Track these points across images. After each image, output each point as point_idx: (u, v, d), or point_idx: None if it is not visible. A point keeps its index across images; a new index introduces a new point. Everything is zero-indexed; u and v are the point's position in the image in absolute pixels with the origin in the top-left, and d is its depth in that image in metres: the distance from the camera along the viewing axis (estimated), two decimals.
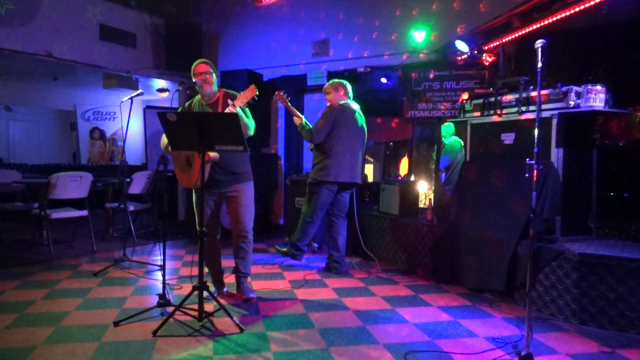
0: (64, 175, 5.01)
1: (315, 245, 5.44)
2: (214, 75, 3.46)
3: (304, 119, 4.52)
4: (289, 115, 6.07)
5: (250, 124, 3.35)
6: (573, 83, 3.48)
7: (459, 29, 5.27)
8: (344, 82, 4.53)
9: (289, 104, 4.51)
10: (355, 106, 4.53)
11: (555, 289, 3.32)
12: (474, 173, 4.16)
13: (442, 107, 5.21)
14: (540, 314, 3.39)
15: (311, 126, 4.43)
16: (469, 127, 4.28)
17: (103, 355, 2.59)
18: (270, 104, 7.07)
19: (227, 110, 3.16)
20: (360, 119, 4.55)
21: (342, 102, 4.45)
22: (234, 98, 3.23)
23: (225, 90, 3.51)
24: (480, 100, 4.18)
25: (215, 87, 3.46)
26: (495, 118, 4.01)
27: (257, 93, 3.18)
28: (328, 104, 4.47)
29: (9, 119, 11.32)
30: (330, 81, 4.56)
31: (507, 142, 3.91)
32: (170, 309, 3.13)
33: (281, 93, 4.49)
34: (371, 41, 6.11)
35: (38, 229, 5.55)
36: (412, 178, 5.73)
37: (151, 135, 7.22)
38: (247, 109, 3.41)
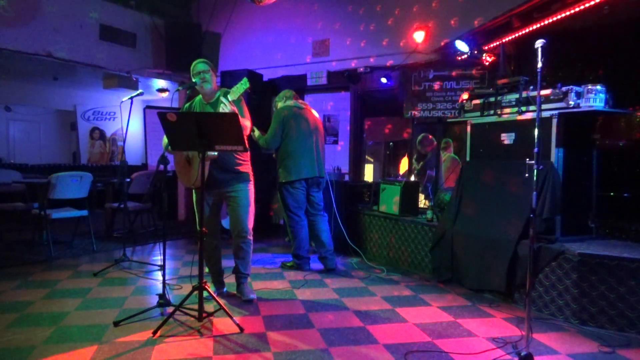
0: (64, 175, 5.01)
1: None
2: (213, 74, 3.47)
3: (256, 131, 4.59)
4: None
5: (246, 124, 3.34)
6: (573, 83, 3.48)
7: (458, 29, 5.27)
8: (286, 90, 4.79)
9: None
10: (302, 103, 4.68)
11: (555, 289, 3.32)
12: (474, 173, 4.16)
13: (442, 107, 5.21)
14: (540, 314, 3.39)
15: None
16: (469, 127, 4.28)
17: (103, 355, 2.59)
18: (270, 105, 7.07)
19: (220, 108, 3.15)
20: (310, 113, 4.65)
21: (287, 103, 4.62)
22: (228, 94, 3.24)
23: (225, 89, 3.51)
24: (480, 100, 4.18)
25: (214, 86, 3.47)
26: (495, 118, 4.01)
27: (249, 85, 3.18)
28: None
29: (9, 119, 11.32)
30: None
31: (507, 142, 3.91)
32: (170, 309, 3.13)
33: None
34: (371, 41, 6.11)
35: (38, 229, 5.55)
36: (412, 178, 5.73)
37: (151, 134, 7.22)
38: (243, 108, 3.40)
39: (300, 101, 4.72)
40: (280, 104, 4.68)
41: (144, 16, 7.27)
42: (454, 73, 5.12)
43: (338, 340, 2.85)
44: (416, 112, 5.34)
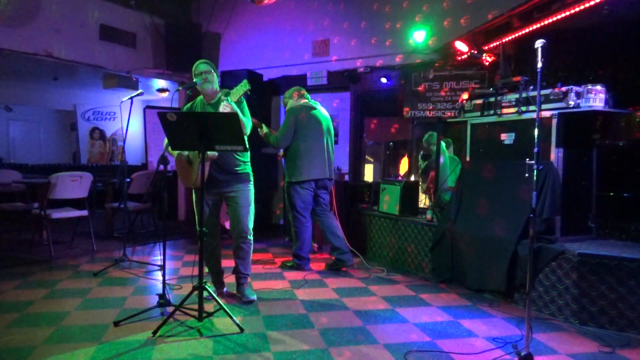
0: (64, 175, 5.01)
1: (315, 245, 5.43)
2: (214, 74, 3.47)
3: (265, 127, 4.59)
4: None
5: (246, 122, 3.35)
6: (573, 83, 3.48)
7: (459, 29, 5.27)
8: (297, 87, 4.71)
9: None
10: (314, 104, 4.64)
11: (555, 289, 3.32)
12: (474, 173, 4.16)
13: (442, 107, 5.20)
14: (540, 314, 3.39)
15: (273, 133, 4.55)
16: (469, 127, 4.28)
17: (103, 355, 2.59)
18: (270, 105, 7.07)
19: (220, 108, 3.16)
20: (322, 114, 4.62)
21: (299, 102, 4.58)
22: (229, 95, 3.24)
23: (226, 90, 3.51)
24: (480, 100, 4.18)
25: (215, 86, 3.47)
26: (495, 118, 4.01)
27: (249, 87, 3.18)
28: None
29: (9, 119, 11.32)
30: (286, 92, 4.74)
31: (507, 142, 3.91)
32: (170, 309, 3.13)
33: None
34: (371, 41, 6.12)
35: (38, 229, 5.55)
36: (412, 178, 5.73)
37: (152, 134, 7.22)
38: (245, 108, 3.41)
39: (313, 101, 4.68)
40: (291, 102, 4.61)
41: (144, 16, 7.28)
42: (454, 73, 5.12)
43: (338, 340, 2.85)
44: (416, 112, 5.33)
